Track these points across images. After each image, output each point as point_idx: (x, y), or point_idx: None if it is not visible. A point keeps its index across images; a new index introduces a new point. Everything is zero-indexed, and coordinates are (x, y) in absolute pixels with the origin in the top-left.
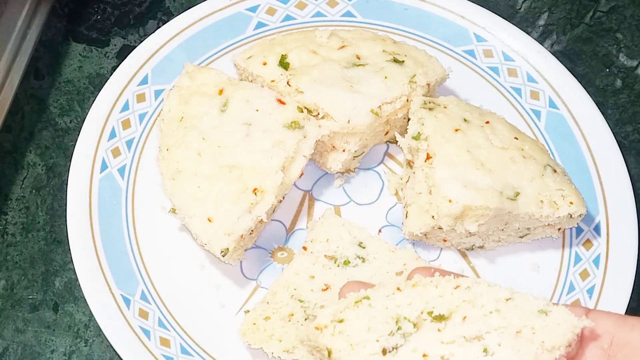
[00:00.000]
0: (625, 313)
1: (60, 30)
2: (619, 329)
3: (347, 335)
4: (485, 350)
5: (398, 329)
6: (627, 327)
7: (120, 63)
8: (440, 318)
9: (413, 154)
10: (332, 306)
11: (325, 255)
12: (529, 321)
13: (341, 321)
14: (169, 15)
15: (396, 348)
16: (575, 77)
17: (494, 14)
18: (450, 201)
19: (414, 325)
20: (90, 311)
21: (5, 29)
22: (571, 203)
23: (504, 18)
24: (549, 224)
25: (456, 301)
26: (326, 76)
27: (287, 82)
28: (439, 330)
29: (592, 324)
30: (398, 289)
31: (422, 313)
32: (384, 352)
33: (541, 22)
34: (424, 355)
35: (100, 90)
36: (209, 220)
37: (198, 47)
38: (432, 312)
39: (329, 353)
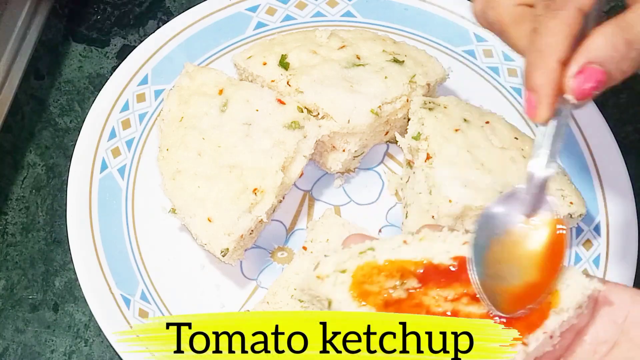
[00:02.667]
0: None
1: (60, 30)
2: (635, 305)
3: (349, 287)
4: (490, 310)
5: (402, 283)
6: None
7: (120, 63)
8: (447, 274)
9: (413, 154)
10: (336, 256)
11: (325, 255)
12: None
13: (344, 272)
14: (169, 15)
15: (399, 302)
16: None
17: None
18: (450, 201)
19: (419, 280)
20: (90, 311)
21: (5, 29)
22: (571, 203)
23: None
24: None
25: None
26: (326, 76)
27: (287, 82)
28: (444, 287)
29: (602, 287)
30: (405, 242)
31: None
32: (386, 305)
33: None
34: (427, 312)
35: (100, 90)
36: (209, 220)
37: (198, 47)
38: (438, 268)
39: (329, 303)
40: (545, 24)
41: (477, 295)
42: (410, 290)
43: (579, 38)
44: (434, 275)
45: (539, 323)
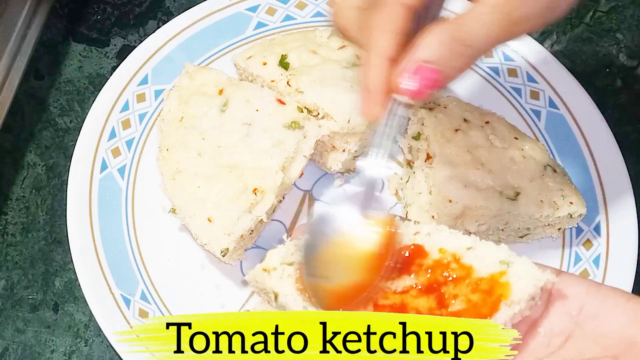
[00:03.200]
0: None
1: (60, 30)
2: (590, 297)
3: (295, 280)
4: (440, 302)
5: None
6: (599, 297)
7: (120, 63)
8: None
9: (413, 154)
10: (283, 248)
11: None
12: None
13: (290, 264)
14: (169, 15)
15: None
16: (575, 77)
17: None
18: (450, 201)
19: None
20: (90, 311)
21: (5, 29)
22: (571, 203)
23: None
24: (549, 224)
25: (414, 250)
26: (326, 76)
27: (287, 82)
28: (393, 279)
29: (555, 279)
30: None
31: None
32: None
33: None
34: (375, 305)
35: (100, 90)
36: (209, 220)
37: (198, 47)
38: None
39: (275, 296)
40: (371, 22)
41: (306, 295)
42: None
43: (411, 37)
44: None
45: (489, 315)
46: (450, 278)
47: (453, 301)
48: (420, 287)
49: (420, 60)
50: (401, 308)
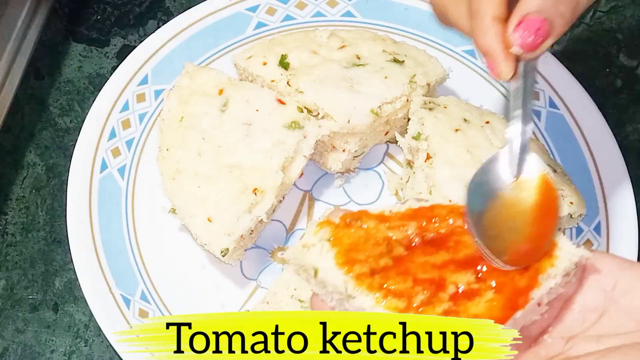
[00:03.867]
0: None
1: (60, 30)
2: (623, 273)
3: (335, 254)
4: (477, 277)
5: (389, 251)
6: (632, 272)
7: (120, 63)
8: (433, 242)
9: (413, 154)
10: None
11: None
12: None
13: (329, 240)
14: (169, 15)
15: (386, 270)
16: (575, 77)
17: None
18: (450, 201)
19: (405, 248)
20: (90, 311)
21: (5, 29)
22: (571, 203)
23: None
24: None
25: (451, 227)
26: (326, 76)
27: (287, 82)
28: (431, 254)
29: (590, 254)
30: (391, 211)
31: (415, 237)
32: (372, 273)
33: None
34: (414, 279)
35: (100, 90)
36: (209, 220)
37: (198, 47)
38: (425, 236)
39: (315, 272)
40: None
41: (484, 256)
42: (397, 258)
43: None
44: (420, 243)
45: (527, 291)
46: None
47: (491, 275)
48: (457, 261)
49: (527, 13)
50: (440, 282)
